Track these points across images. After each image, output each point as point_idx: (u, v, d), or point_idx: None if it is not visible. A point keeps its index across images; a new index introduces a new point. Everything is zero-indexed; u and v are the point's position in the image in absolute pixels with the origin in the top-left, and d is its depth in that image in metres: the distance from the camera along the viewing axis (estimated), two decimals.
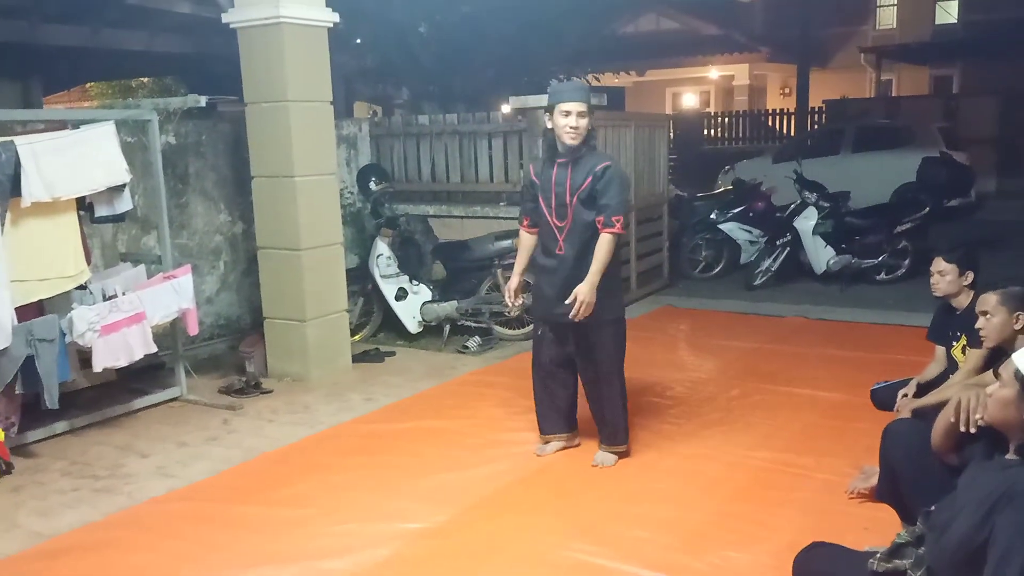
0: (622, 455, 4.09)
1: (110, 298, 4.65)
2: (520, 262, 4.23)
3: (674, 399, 5.03)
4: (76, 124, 4.64)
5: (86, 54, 9.45)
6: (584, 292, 3.79)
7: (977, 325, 3.50)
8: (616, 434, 4.10)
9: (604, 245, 3.83)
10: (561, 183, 3.92)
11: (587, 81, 12.76)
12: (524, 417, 4.70)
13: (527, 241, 4.19)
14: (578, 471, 4.02)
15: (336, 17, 5.54)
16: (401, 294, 6.52)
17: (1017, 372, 2.20)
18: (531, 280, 4.38)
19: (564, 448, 4.26)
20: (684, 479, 3.89)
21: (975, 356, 3.96)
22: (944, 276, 4.20)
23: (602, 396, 4.07)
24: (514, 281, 4.20)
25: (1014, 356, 2.24)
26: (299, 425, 4.80)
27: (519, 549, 3.29)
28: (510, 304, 4.24)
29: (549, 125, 3.96)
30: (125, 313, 4.61)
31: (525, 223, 4.19)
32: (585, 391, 4.17)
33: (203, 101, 5.32)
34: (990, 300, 3.42)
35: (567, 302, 3.83)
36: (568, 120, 3.84)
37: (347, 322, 5.93)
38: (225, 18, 5.41)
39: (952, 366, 4.24)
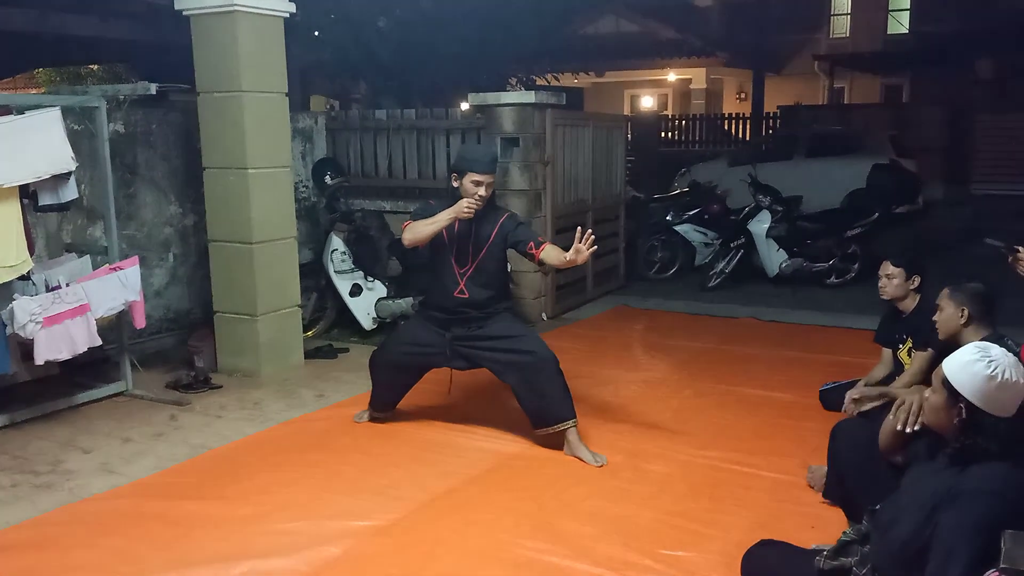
0: (568, 430, 4.11)
1: (53, 289, 4.52)
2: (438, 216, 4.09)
3: (628, 398, 5.05)
4: (21, 109, 4.50)
5: (33, 39, 9.17)
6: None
7: (934, 317, 3.61)
8: (568, 407, 4.13)
9: (552, 253, 4.10)
10: (465, 236, 4.18)
11: (546, 81, 12.79)
12: (478, 414, 4.69)
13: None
14: (530, 469, 4.02)
15: (292, 7, 5.47)
16: (356, 290, 6.46)
17: (945, 380, 2.25)
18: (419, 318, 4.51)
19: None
20: (635, 477, 3.90)
21: (920, 359, 4.06)
22: (892, 280, 4.29)
23: (550, 378, 4.11)
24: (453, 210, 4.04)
25: (943, 363, 2.30)
26: (249, 421, 4.72)
27: (470, 547, 3.27)
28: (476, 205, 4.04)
29: (456, 185, 4.13)
30: (69, 305, 4.48)
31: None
32: (524, 390, 4.17)
33: (153, 89, 5.19)
34: (943, 294, 3.58)
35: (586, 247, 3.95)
36: (479, 189, 4.06)
37: (300, 318, 5.85)
38: (178, 4, 5.30)
39: (898, 368, 4.33)
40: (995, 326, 3.52)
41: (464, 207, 4.01)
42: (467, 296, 4.20)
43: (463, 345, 4.26)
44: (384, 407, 4.60)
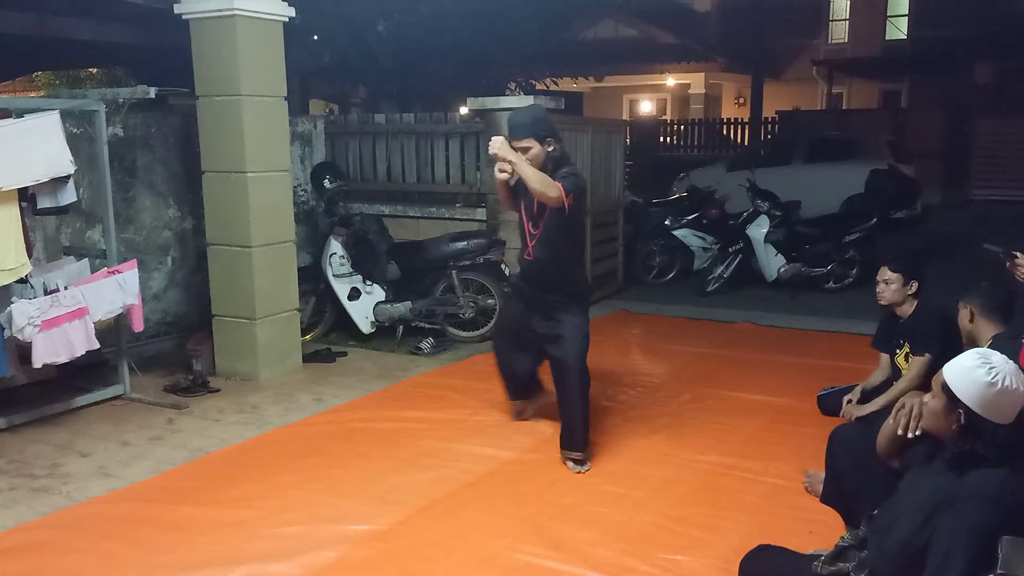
0: (579, 462, 4.07)
1: (52, 292, 4.51)
2: None
3: (625, 403, 5.05)
4: (20, 113, 4.50)
5: (32, 43, 9.17)
6: (502, 148, 3.93)
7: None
8: (580, 437, 4.12)
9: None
10: (531, 197, 4.10)
11: (545, 85, 12.80)
12: (476, 419, 4.69)
13: None
14: (527, 474, 4.01)
15: (291, 11, 5.47)
16: (354, 294, 6.46)
17: (944, 385, 2.25)
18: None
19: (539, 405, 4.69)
20: (633, 482, 3.90)
21: (917, 363, 4.07)
22: (890, 285, 4.29)
23: (570, 392, 4.15)
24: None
25: (944, 368, 2.30)
26: (246, 425, 4.72)
27: (468, 552, 3.27)
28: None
29: None
30: (67, 308, 4.48)
31: None
32: (557, 393, 4.25)
33: (152, 93, 5.19)
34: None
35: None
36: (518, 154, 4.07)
37: (298, 321, 5.85)
38: (177, 9, 5.31)
39: (896, 373, 4.33)
40: (1009, 323, 3.51)
41: (496, 168, 4.10)
42: (531, 259, 4.20)
43: (530, 325, 4.30)
44: (516, 390, 4.64)
